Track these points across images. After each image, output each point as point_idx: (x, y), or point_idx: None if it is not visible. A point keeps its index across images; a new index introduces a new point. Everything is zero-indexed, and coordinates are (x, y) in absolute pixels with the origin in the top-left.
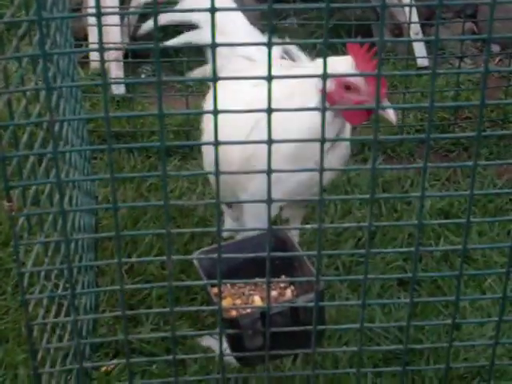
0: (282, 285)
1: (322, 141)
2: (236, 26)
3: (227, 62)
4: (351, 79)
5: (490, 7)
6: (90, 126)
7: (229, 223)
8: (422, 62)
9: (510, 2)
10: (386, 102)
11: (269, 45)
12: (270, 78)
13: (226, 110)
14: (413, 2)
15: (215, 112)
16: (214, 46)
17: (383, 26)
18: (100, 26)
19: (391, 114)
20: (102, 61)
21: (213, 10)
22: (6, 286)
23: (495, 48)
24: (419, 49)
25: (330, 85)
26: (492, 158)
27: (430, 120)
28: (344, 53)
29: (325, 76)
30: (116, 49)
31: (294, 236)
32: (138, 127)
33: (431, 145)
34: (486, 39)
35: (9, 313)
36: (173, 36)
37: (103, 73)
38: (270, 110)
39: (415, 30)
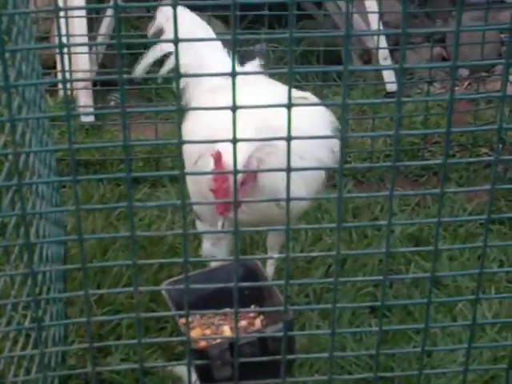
0: (252, 314)
1: (288, 170)
2: (212, 58)
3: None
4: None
5: (455, 35)
6: (58, 155)
7: (207, 247)
8: (391, 86)
9: (475, 30)
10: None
11: (233, 74)
12: (234, 108)
13: (190, 140)
14: (381, 28)
15: (179, 143)
16: (176, 41)
17: (348, 54)
18: (63, 58)
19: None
20: (66, 93)
21: (176, 41)
22: None
23: (464, 72)
24: (388, 74)
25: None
26: (462, 182)
27: (396, 148)
28: (313, 79)
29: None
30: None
31: (270, 265)
32: (107, 155)
33: (400, 170)
34: (452, 66)
35: None
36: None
37: (67, 104)
38: (234, 141)
39: (384, 55)
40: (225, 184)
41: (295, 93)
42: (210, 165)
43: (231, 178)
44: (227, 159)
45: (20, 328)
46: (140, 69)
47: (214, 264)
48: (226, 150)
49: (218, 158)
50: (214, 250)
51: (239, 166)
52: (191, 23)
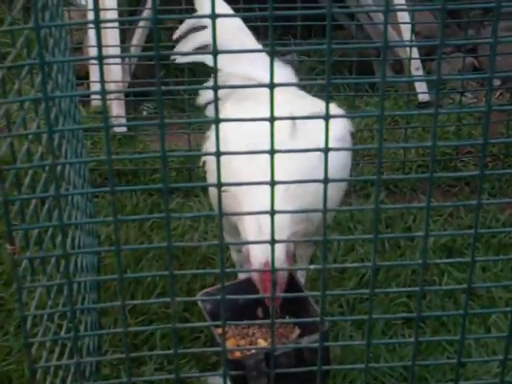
0: (289, 325)
1: (325, 182)
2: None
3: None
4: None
5: (491, 47)
6: (91, 165)
7: (234, 255)
8: (423, 97)
9: (510, 41)
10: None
11: (271, 86)
12: (272, 120)
13: (228, 152)
14: (413, 39)
15: (217, 154)
16: (215, 53)
17: (385, 65)
18: (102, 69)
19: None
20: (104, 104)
21: (215, 54)
22: (9, 326)
23: (496, 82)
24: (420, 84)
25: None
26: (494, 192)
27: (432, 159)
28: (345, 89)
29: (327, 118)
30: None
31: (301, 277)
32: (140, 165)
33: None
34: (488, 78)
35: (11, 353)
36: (175, 74)
37: (104, 116)
38: (273, 152)
39: (416, 65)
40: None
41: (318, 104)
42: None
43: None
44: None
45: (56, 338)
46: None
47: (243, 274)
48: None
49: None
50: (240, 256)
51: (280, 263)
52: (237, 28)
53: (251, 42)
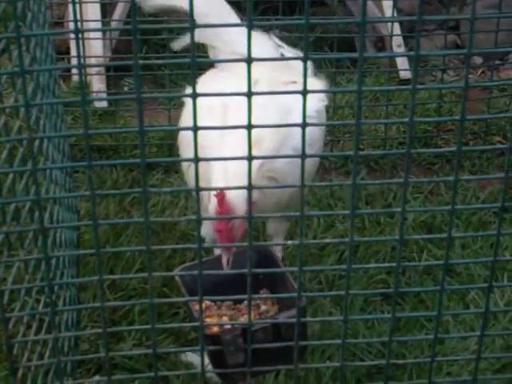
0: (270, 300)
1: (302, 157)
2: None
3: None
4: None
5: (470, 23)
6: (71, 140)
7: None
8: (405, 74)
9: (490, 17)
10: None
11: (248, 60)
12: (249, 94)
13: (204, 126)
14: (395, 15)
15: (195, 129)
16: (192, 27)
17: (363, 41)
18: (79, 43)
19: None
20: (81, 78)
21: (192, 28)
22: None
23: (478, 60)
24: (401, 61)
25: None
26: (474, 170)
27: (410, 135)
28: (327, 66)
29: (305, 93)
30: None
31: (277, 252)
32: (121, 141)
33: (414, 157)
34: (467, 54)
35: None
36: (155, 50)
37: (82, 90)
38: (249, 127)
39: (397, 42)
40: (229, 224)
41: (287, 77)
42: (210, 207)
43: (234, 213)
44: (231, 199)
45: (34, 313)
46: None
47: (218, 250)
48: (229, 192)
49: (221, 198)
50: (208, 229)
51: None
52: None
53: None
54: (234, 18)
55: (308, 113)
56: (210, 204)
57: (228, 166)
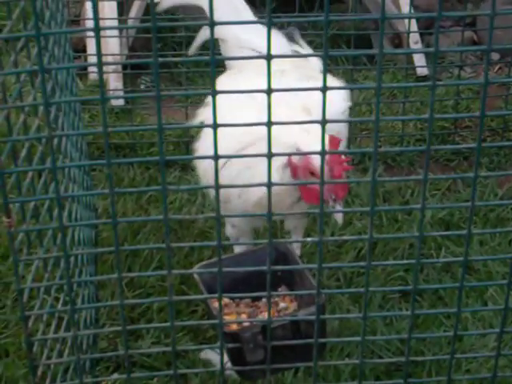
0: (288, 297)
1: (322, 153)
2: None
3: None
4: (318, 169)
5: (489, 19)
6: (89, 138)
7: (229, 229)
8: (422, 70)
9: (509, 13)
10: (338, 206)
11: (268, 57)
12: (269, 92)
13: (226, 123)
14: (412, 12)
15: (215, 126)
16: (212, 24)
17: (382, 37)
18: (98, 40)
19: (338, 217)
20: (101, 76)
21: (212, 25)
22: (6, 299)
23: (495, 56)
24: (418, 58)
25: (299, 160)
26: (492, 167)
27: (429, 132)
28: (343, 63)
29: (324, 89)
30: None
31: (296, 248)
32: (138, 139)
33: (431, 154)
34: (486, 50)
35: (8, 327)
36: (172, 47)
37: (101, 88)
38: (269, 124)
39: (414, 38)
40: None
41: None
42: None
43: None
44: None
45: (53, 311)
46: (194, 48)
47: (238, 248)
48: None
49: (333, 141)
50: (234, 231)
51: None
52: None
53: (247, 14)
54: (249, 13)
55: (335, 114)
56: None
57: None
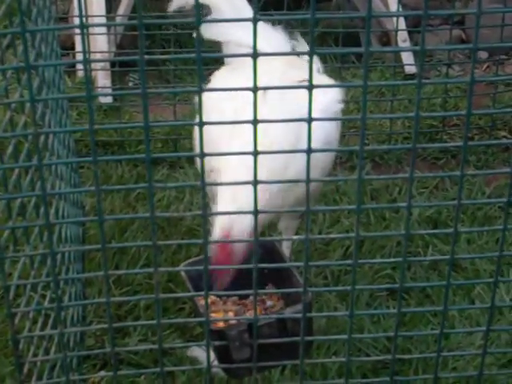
0: (275, 295)
1: (308, 152)
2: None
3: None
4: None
5: (476, 17)
6: (76, 136)
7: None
8: (410, 69)
9: (496, 11)
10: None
11: (254, 56)
12: (255, 90)
13: (211, 121)
14: (400, 10)
15: (200, 124)
16: (198, 23)
17: (369, 35)
18: (84, 38)
19: None
20: (87, 74)
21: (198, 23)
22: None
23: (483, 55)
24: (407, 56)
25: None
26: (480, 165)
27: (415, 130)
28: (332, 61)
29: (310, 87)
30: (101, 60)
31: (286, 248)
32: (126, 136)
33: (419, 152)
34: (473, 49)
35: None
36: (160, 45)
37: (88, 86)
38: (255, 122)
39: (402, 37)
40: (229, 259)
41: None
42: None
43: (234, 251)
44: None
45: (40, 308)
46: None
47: None
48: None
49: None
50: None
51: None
52: None
53: (245, 6)
54: (249, 12)
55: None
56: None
57: (236, 189)
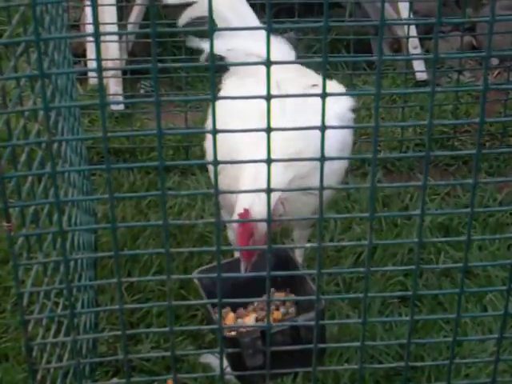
0: (288, 303)
1: (322, 160)
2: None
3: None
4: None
5: (489, 25)
6: (88, 143)
7: (230, 233)
8: (421, 75)
9: (508, 19)
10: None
11: (268, 63)
12: (269, 98)
13: (224, 129)
14: (411, 17)
15: (214, 132)
16: (211, 31)
17: (381, 43)
18: (98, 46)
19: None
20: (100, 81)
21: (211, 31)
22: (6, 303)
23: (494, 61)
24: (418, 63)
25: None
26: (492, 172)
27: (428, 138)
28: (343, 68)
29: (324, 95)
30: (114, 69)
31: (299, 257)
32: (137, 143)
33: (430, 159)
34: (485, 56)
35: (8, 331)
36: (172, 52)
37: (101, 93)
38: (269, 130)
39: (414, 44)
40: (250, 240)
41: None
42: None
43: (256, 231)
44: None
45: (53, 315)
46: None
47: (238, 253)
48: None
49: (245, 216)
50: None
51: (263, 214)
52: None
53: (250, 15)
54: (256, 21)
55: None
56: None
57: (260, 173)
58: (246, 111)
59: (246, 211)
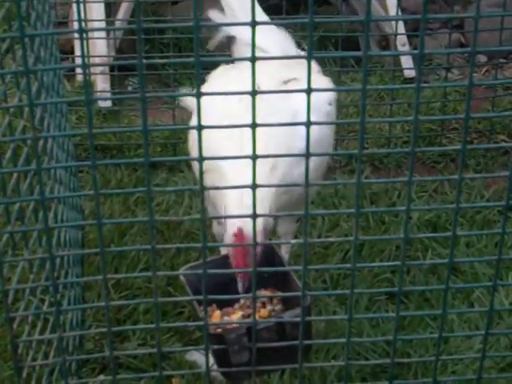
0: (275, 300)
1: (307, 156)
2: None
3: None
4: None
5: (474, 21)
6: (76, 140)
7: (215, 226)
8: (409, 72)
9: (494, 15)
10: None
11: (252, 59)
12: (254, 93)
13: (211, 125)
14: (399, 14)
15: (199, 127)
16: (196, 25)
17: (368, 39)
18: (83, 43)
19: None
20: (86, 78)
21: (196, 26)
22: None
23: (482, 58)
24: (406, 60)
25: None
26: (479, 169)
27: (414, 134)
28: (331, 65)
29: (309, 91)
30: (101, 65)
31: (285, 253)
32: (125, 140)
33: (418, 156)
34: (471, 52)
35: None
36: (159, 49)
37: (86, 90)
38: (254, 125)
39: (402, 41)
40: (247, 259)
41: (288, 74)
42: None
43: (250, 252)
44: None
45: (39, 312)
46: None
47: (223, 250)
48: (245, 225)
49: (239, 236)
50: (220, 228)
51: (259, 238)
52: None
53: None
54: (263, 15)
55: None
56: (226, 236)
57: (243, 193)
58: (226, 109)
59: (240, 230)
